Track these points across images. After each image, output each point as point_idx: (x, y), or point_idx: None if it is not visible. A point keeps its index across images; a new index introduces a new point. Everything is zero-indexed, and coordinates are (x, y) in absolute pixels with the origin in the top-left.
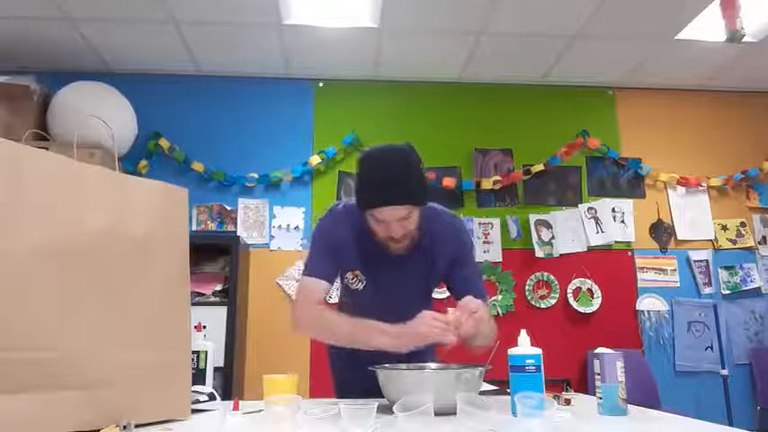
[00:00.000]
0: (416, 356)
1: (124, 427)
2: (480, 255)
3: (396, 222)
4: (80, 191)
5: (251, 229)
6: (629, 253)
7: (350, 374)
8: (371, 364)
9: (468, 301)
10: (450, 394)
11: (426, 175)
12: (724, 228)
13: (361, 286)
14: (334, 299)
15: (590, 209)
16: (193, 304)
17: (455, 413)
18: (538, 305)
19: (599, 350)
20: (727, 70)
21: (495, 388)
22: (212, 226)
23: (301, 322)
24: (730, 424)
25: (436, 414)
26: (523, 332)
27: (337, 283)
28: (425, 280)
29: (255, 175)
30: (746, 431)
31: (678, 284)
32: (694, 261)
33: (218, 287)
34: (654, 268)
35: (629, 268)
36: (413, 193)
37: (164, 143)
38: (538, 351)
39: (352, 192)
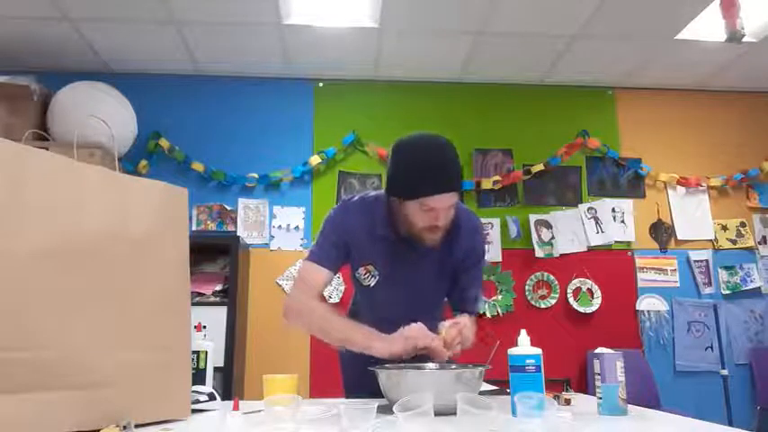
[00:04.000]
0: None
1: (124, 427)
2: None
3: (444, 210)
4: (80, 191)
5: (251, 229)
6: (629, 253)
7: (359, 374)
8: (383, 363)
9: (464, 324)
10: (450, 394)
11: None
12: (724, 228)
13: (373, 282)
14: (335, 299)
15: (590, 209)
16: (193, 304)
17: (455, 413)
18: (538, 305)
19: (599, 350)
20: (727, 70)
21: (495, 388)
22: (212, 226)
23: (293, 312)
24: (730, 424)
25: (436, 414)
26: (523, 332)
27: (343, 286)
28: (440, 275)
29: (255, 175)
30: (746, 431)
31: (678, 284)
32: (694, 261)
33: (218, 287)
34: (654, 268)
35: (629, 268)
36: (460, 182)
37: (164, 143)
38: (538, 351)
39: (352, 189)
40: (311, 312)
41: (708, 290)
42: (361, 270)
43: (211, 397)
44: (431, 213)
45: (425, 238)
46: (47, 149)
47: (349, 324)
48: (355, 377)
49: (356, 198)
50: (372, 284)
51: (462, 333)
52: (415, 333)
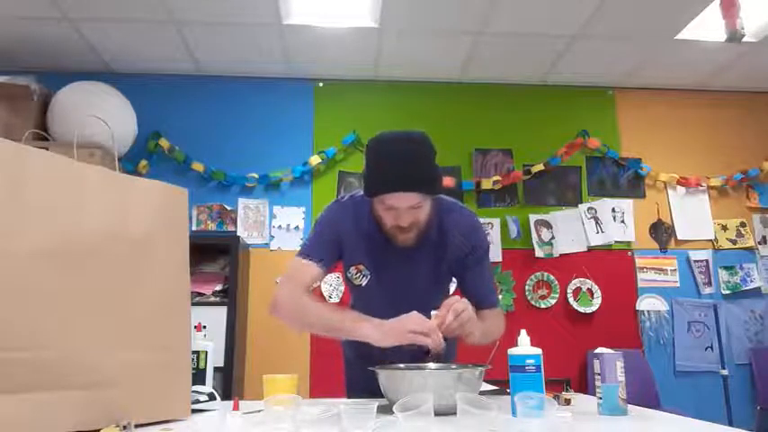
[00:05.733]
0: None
1: (124, 427)
2: None
3: (405, 210)
4: (80, 191)
5: (251, 229)
6: (629, 253)
7: (364, 374)
8: (386, 361)
9: (454, 300)
10: (450, 394)
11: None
12: (724, 228)
13: (365, 281)
14: (335, 299)
15: (590, 209)
16: (193, 304)
17: (455, 413)
18: (538, 305)
19: (599, 350)
20: (727, 70)
21: (495, 388)
22: (212, 226)
23: (279, 305)
24: (730, 424)
25: (436, 414)
26: (523, 332)
27: (343, 285)
28: (434, 275)
29: (255, 175)
30: (746, 431)
31: (678, 284)
32: (694, 261)
33: (218, 287)
34: (654, 268)
35: (629, 268)
36: (425, 182)
37: (164, 143)
38: (538, 351)
39: (352, 189)
40: (299, 306)
41: (708, 290)
42: (353, 269)
43: (211, 397)
44: (392, 212)
45: (396, 237)
46: (47, 149)
47: (337, 311)
48: (359, 377)
49: (347, 197)
50: (364, 284)
51: (458, 313)
52: (412, 322)
